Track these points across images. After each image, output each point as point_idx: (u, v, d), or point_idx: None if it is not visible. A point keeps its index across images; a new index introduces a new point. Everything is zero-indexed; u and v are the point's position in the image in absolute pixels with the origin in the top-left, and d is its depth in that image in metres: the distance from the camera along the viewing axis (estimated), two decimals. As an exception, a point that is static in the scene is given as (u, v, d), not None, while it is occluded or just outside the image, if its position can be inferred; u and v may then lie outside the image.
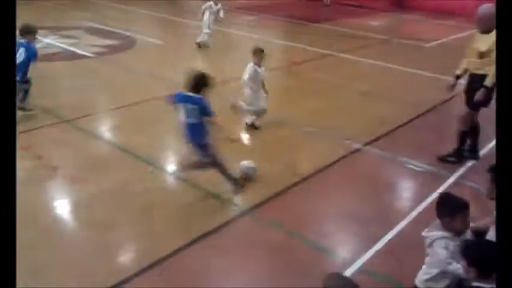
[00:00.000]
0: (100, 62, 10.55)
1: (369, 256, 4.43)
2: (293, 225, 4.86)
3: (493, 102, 4.92)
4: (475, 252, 2.83)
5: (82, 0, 18.66)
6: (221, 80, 9.58)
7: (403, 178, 6.18)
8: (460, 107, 6.41)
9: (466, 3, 18.83)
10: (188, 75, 4.94)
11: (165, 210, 5.04)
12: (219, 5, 11.65)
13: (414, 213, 5.16)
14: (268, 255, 4.41)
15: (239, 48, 11.94)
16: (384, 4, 20.10)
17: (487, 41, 5.64)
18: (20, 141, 6.07)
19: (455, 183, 5.83)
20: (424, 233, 3.31)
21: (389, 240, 4.69)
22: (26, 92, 7.22)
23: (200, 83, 4.89)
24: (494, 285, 2.65)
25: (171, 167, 6.15)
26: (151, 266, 4.16)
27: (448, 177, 5.95)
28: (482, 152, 6.54)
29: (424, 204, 5.32)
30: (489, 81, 5.73)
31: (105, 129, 7.31)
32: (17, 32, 6.81)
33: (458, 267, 3.04)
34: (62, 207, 5.18)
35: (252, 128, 7.16)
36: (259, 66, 6.91)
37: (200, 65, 11.57)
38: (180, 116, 4.93)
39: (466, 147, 6.45)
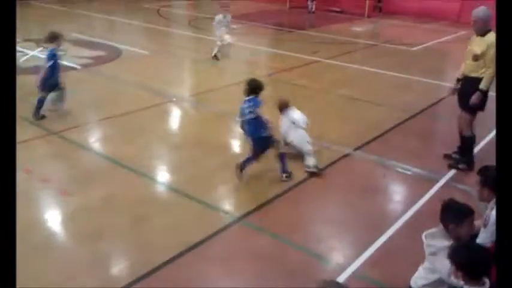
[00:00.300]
0: (87, 73, 10.48)
1: (361, 261, 4.43)
2: (284, 232, 4.86)
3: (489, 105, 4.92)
4: (463, 256, 2.82)
5: (66, 11, 18.62)
6: (206, 89, 9.62)
7: (393, 182, 6.20)
8: (448, 110, 6.44)
9: (447, 7, 19.13)
10: (246, 82, 5.75)
11: (155, 221, 5.00)
12: (228, 16, 11.85)
13: (405, 217, 5.18)
14: (259, 263, 4.39)
15: (227, 57, 11.94)
16: (365, 10, 20.30)
17: (482, 44, 5.67)
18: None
19: (446, 186, 5.87)
20: (427, 241, 3.24)
21: (381, 245, 4.69)
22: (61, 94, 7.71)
23: (257, 87, 5.71)
24: None
25: (160, 177, 6.13)
26: (142, 277, 4.12)
27: (438, 181, 5.98)
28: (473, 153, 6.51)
29: (415, 208, 5.35)
30: (484, 85, 5.74)
31: (94, 141, 7.24)
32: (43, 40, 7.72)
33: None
34: (51, 219, 5.11)
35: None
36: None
37: (187, 75, 11.61)
38: (242, 115, 5.70)
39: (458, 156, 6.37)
